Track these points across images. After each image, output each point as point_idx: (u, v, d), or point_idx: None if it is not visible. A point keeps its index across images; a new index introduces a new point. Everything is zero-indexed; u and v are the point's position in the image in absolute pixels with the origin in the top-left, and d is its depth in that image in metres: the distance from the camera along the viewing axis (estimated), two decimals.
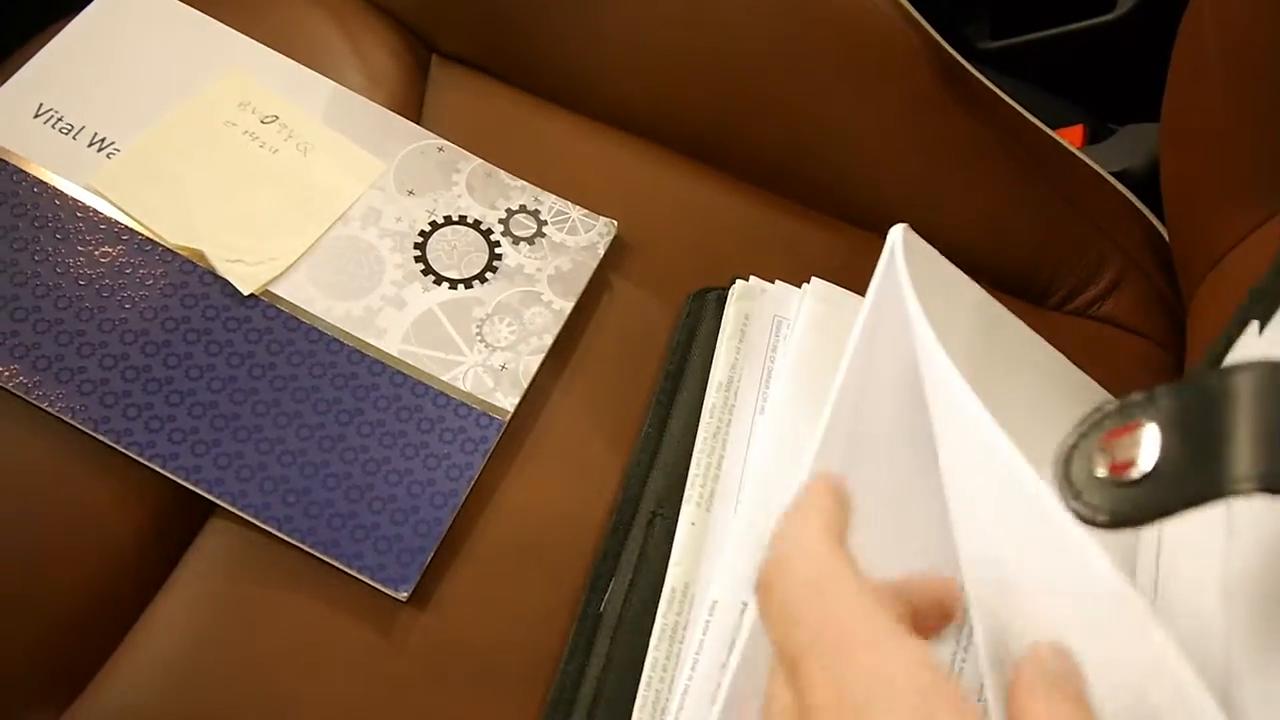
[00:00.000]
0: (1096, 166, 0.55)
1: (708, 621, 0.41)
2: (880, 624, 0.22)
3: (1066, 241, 0.56)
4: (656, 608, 0.41)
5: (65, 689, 0.41)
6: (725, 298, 0.49)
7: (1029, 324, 0.56)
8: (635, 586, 0.42)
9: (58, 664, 0.42)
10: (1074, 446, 0.25)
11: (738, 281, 0.49)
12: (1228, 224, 0.49)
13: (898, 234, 0.33)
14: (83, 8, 0.52)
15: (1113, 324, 0.56)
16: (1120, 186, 0.56)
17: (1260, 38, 0.46)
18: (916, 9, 0.54)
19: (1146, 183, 0.58)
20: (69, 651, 0.42)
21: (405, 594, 0.43)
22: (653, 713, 0.39)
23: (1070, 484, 0.24)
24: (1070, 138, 0.67)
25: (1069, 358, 0.52)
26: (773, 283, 0.50)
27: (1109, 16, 0.71)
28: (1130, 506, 0.23)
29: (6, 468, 0.43)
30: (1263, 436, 0.21)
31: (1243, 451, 0.21)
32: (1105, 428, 0.24)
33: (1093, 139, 0.68)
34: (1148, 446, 0.23)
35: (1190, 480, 0.22)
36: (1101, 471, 0.24)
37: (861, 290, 0.50)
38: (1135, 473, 0.23)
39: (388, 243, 0.49)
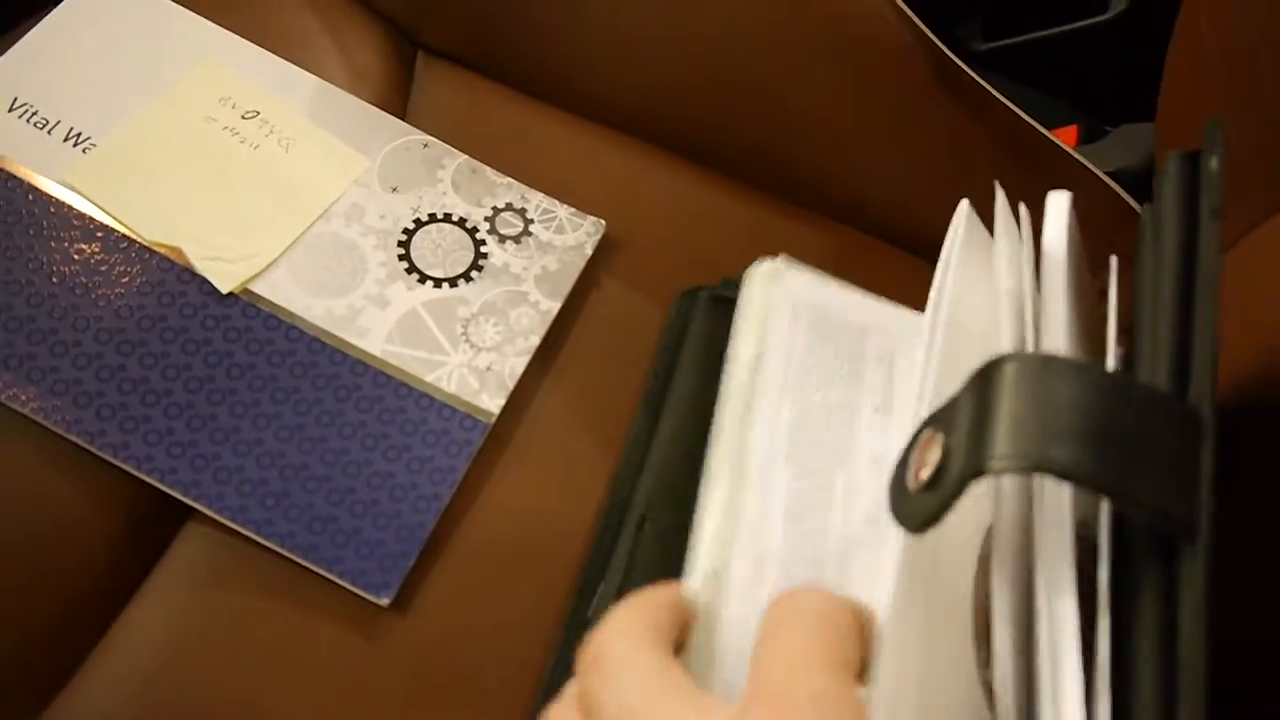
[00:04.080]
0: (1092, 166, 0.55)
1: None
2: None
3: None
4: None
5: (35, 698, 0.40)
6: (715, 295, 0.48)
7: None
8: (625, 591, 0.41)
9: (27, 672, 0.40)
10: (899, 464, 0.26)
11: (763, 262, 0.47)
12: (1225, 222, 0.49)
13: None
14: (59, 1, 0.51)
15: None
16: (1116, 187, 0.55)
17: (1258, 34, 0.46)
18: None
19: (1142, 183, 0.57)
20: (39, 660, 0.40)
21: (387, 600, 0.42)
22: None
23: (893, 496, 0.26)
24: (1065, 138, 0.66)
25: None
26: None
27: (1102, 17, 0.71)
28: (923, 507, 0.24)
29: None
30: (1012, 419, 0.23)
31: (997, 435, 0.23)
32: (917, 441, 0.26)
33: (1087, 139, 0.68)
34: (938, 450, 0.25)
35: (958, 470, 0.23)
36: (911, 480, 0.25)
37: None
38: (929, 474, 0.24)
39: (371, 240, 0.48)
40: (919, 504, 0.24)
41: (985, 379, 0.24)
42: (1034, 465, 0.22)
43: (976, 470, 0.23)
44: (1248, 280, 0.47)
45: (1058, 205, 0.34)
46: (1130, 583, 0.23)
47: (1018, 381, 0.23)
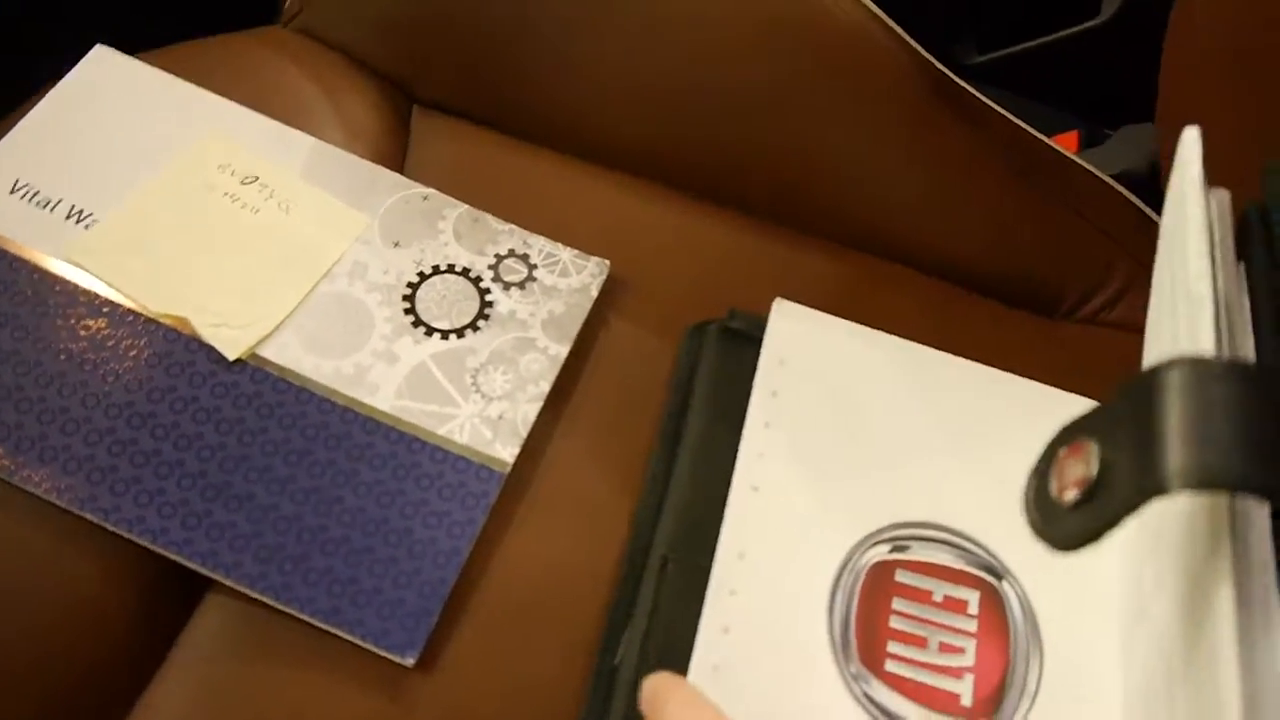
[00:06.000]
0: (1096, 171, 0.54)
1: None
2: None
3: (1072, 249, 0.55)
4: (673, 657, 0.39)
5: None
6: (724, 328, 0.47)
7: (1039, 335, 0.54)
8: (651, 636, 0.40)
9: None
10: (1036, 477, 0.25)
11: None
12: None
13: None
14: (56, 82, 0.51)
15: (1124, 329, 0.55)
16: (1122, 189, 0.55)
17: (1251, 28, 0.45)
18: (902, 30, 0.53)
19: (1147, 184, 0.57)
20: None
21: (412, 659, 0.41)
22: None
23: (1036, 514, 0.24)
24: (1066, 144, 0.65)
25: (1081, 366, 0.51)
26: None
27: (1095, 21, 0.70)
28: (1082, 525, 0.23)
29: None
30: (1188, 432, 0.21)
31: (1172, 450, 0.21)
32: (1058, 453, 0.24)
33: (1088, 143, 0.67)
34: (1091, 463, 0.23)
35: (1128, 487, 0.22)
36: (1058, 496, 0.24)
37: (867, 317, 0.49)
38: (1083, 491, 0.23)
39: (376, 296, 0.48)
40: (1072, 522, 0.23)
41: (1149, 386, 0.22)
42: (1219, 482, 0.20)
43: (1153, 488, 0.21)
44: None
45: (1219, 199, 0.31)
46: None
47: (1190, 389, 0.21)
